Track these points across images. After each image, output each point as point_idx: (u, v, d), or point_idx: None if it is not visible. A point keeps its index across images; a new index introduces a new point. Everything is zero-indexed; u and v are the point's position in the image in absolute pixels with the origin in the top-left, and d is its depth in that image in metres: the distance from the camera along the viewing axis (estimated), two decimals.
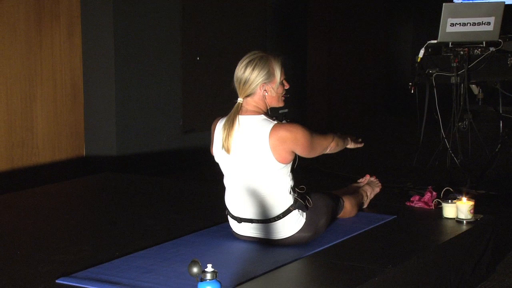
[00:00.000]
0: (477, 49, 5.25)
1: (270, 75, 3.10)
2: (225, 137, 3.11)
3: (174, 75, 6.33)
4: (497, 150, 5.60)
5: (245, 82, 3.09)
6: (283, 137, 3.04)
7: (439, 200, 3.77)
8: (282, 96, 3.19)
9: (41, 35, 5.57)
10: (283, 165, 3.08)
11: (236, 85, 3.14)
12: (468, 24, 5.20)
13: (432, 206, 3.83)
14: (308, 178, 5.33)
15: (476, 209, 3.57)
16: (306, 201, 3.18)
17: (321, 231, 3.25)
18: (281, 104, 3.20)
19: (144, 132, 6.11)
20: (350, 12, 9.04)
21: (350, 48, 9.07)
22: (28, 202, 4.16)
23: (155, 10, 6.14)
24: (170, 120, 6.31)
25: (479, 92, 5.72)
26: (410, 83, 5.32)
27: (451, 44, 5.27)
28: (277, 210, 3.12)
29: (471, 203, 3.54)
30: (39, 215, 3.86)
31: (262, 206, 3.11)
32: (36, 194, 4.38)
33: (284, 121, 3.15)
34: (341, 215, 3.53)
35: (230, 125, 3.12)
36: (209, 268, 2.32)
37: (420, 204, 3.87)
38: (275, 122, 3.09)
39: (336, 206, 3.45)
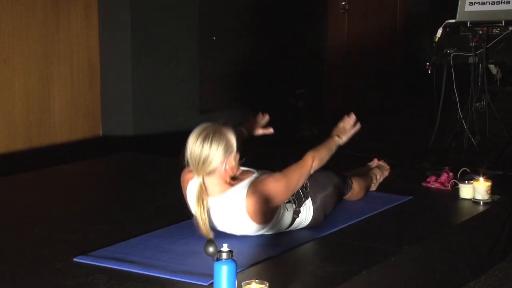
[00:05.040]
0: (496, 29, 5.19)
1: (228, 148, 2.83)
2: (200, 224, 2.84)
3: (190, 55, 6.32)
4: None
5: (204, 161, 2.81)
6: (259, 203, 2.84)
7: (455, 180, 3.75)
8: (239, 162, 2.91)
9: (58, 15, 5.58)
10: (271, 222, 2.96)
11: (192, 164, 2.84)
12: (487, 3, 5.15)
13: (448, 186, 3.81)
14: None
15: (493, 190, 3.55)
16: (306, 192, 3.11)
17: (329, 205, 3.21)
18: (238, 172, 2.91)
19: (160, 112, 6.11)
20: None
21: (368, 27, 9.00)
22: (45, 181, 4.19)
23: None
24: (186, 100, 6.31)
25: (497, 72, 5.67)
26: (428, 63, 5.29)
27: (470, 24, 5.22)
28: (284, 226, 3.07)
29: (488, 183, 3.52)
30: (55, 195, 3.88)
31: (269, 230, 3.05)
32: (53, 173, 4.41)
33: (256, 175, 2.92)
34: (349, 196, 3.50)
35: (201, 210, 2.84)
36: (225, 247, 2.33)
37: (436, 184, 3.86)
38: (245, 191, 2.85)
39: (343, 184, 3.40)
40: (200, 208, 2.84)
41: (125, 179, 4.32)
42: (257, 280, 2.31)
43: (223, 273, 2.30)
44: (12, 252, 2.90)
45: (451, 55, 5.25)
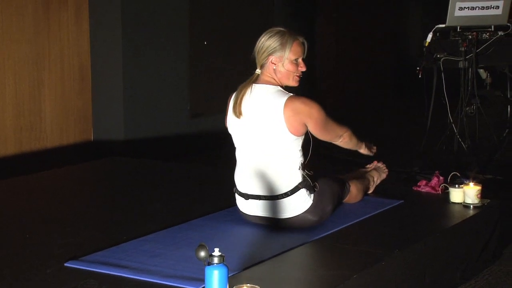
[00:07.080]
0: (486, 33, 5.22)
1: (279, 49, 3.13)
2: (236, 102, 3.15)
3: (181, 59, 6.33)
4: (504, 135, 5.58)
5: (259, 50, 3.16)
6: (298, 108, 3.07)
7: (446, 184, 3.77)
8: (295, 75, 3.18)
9: (49, 19, 5.57)
10: (295, 137, 3.10)
11: (255, 54, 3.20)
12: (477, 8, 5.17)
13: (439, 191, 3.83)
14: (316, 162, 5.33)
15: (483, 194, 3.57)
16: (314, 184, 3.19)
17: (326, 216, 3.26)
18: (293, 83, 3.20)
19: (151, 116, 6.11)
20: None
21: (358, 32, 9.03)
22: (36, 186, 4.18)
23: None
24: (177, 104, 6.32)
25: (487, 76, 5.70)
26: (418, 68, 5.31)
27: (460, 28, 5.24)
28: (285, 186, 3.13)
29: (478, 187, 3.54)
30: (46, 199, 3.88)
31: (271, 181, 3.12)
32: (44, 178, 4.40)
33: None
34: (347, 199, 3.53)
35: (243, 91, 3.16)
36: (217, 252, 2.33)
37: (427, 189, 3.87)
38: (289, 94, 3.12)
39: (342, 191, 3.45)
40: (242, 90, 3.15)
41: (116, 183, 4.32)
42: (248, 284, 2.31)
43: (215, 278, 2.30)
44: (3, 257, 2.89)
45: (441, 59, 5.27)
